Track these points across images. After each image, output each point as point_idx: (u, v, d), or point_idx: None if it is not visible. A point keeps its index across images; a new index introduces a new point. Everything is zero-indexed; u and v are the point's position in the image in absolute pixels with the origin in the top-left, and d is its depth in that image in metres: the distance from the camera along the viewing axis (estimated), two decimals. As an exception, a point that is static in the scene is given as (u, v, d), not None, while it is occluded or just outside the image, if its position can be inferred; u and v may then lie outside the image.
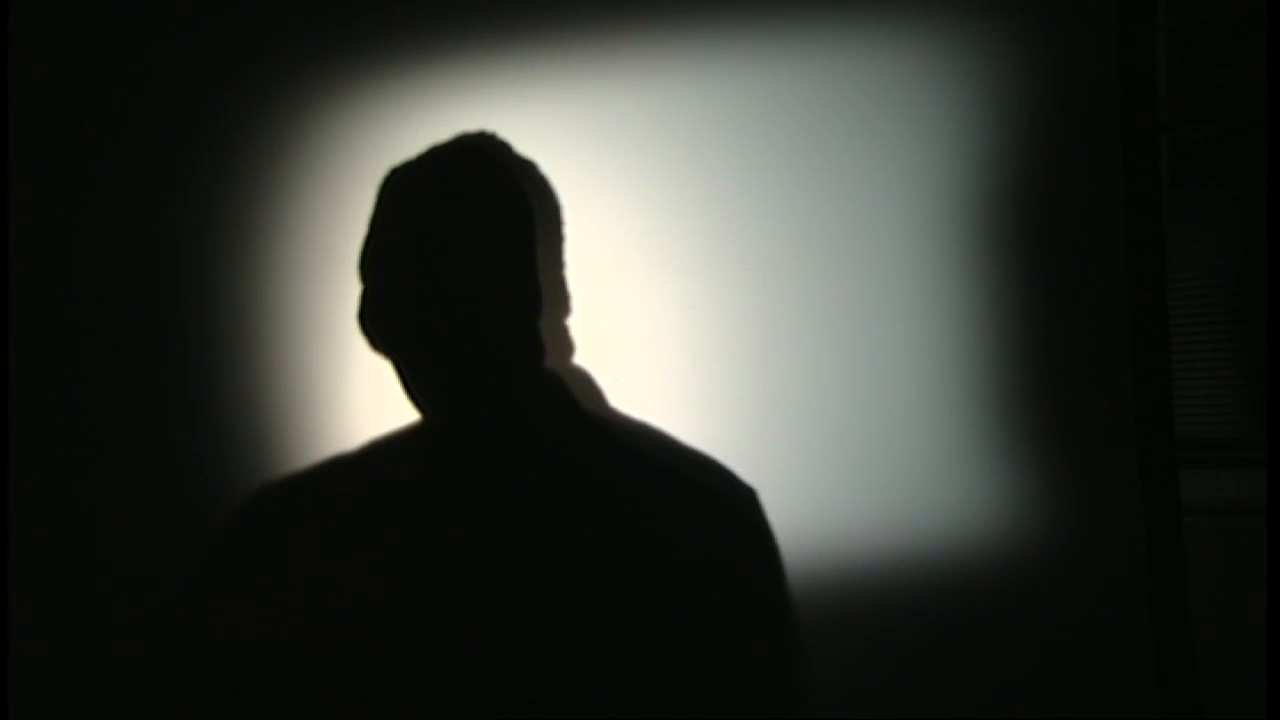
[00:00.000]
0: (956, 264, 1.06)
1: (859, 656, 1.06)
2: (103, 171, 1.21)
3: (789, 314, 1.08)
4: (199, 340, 1.18)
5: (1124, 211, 1.03)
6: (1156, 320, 1.03)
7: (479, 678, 0.93)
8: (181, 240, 1.19)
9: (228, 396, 1.16)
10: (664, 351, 1.10)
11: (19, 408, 1.19)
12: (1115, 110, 1.03)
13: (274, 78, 1.17)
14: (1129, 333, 1.03)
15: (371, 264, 1.00)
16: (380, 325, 0.99)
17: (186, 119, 1.19)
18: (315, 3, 1.17)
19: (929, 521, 1.06)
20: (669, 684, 0.94)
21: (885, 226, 1.07)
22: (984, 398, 1.06)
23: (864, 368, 1.07)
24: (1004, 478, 1.05)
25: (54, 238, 1.22)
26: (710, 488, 1.03)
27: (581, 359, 1.07)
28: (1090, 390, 1.05)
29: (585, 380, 1.07)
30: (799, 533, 1.05)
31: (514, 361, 0.98)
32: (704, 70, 1.10)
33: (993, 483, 1.06)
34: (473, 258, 0.96)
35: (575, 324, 1.07)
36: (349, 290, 1.01)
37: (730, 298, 1.09)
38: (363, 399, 1.11)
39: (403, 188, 1.01)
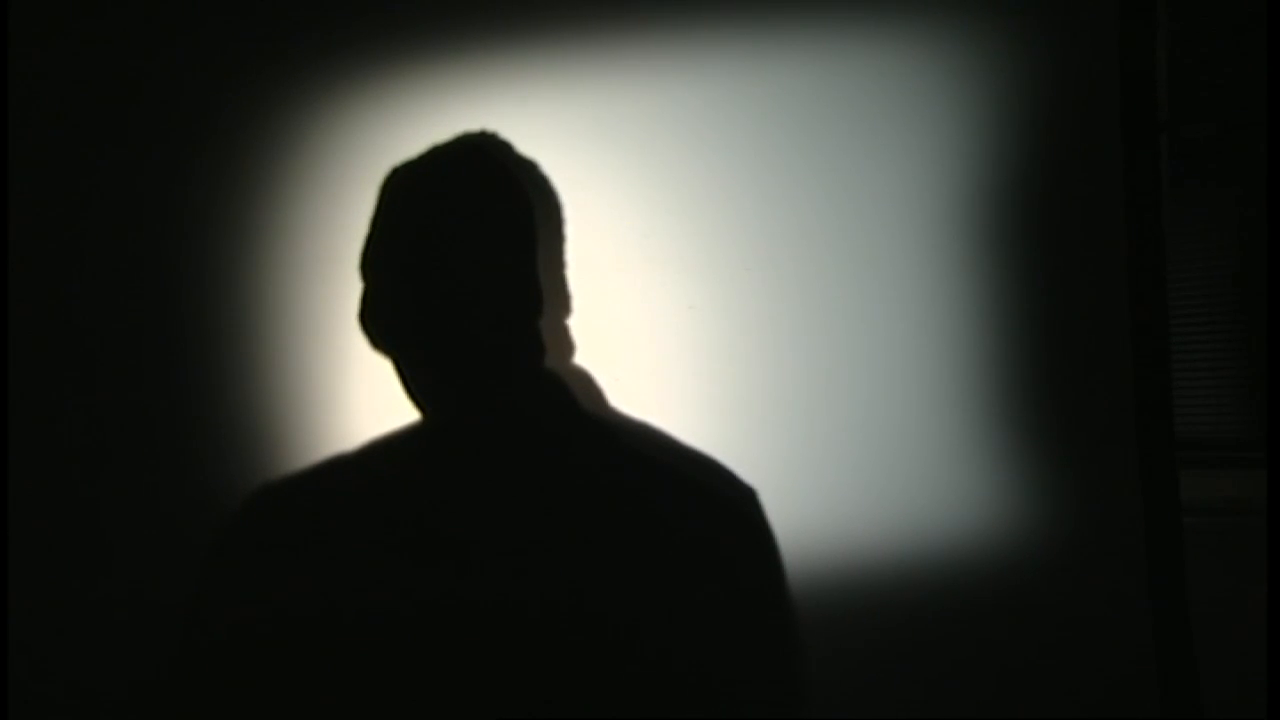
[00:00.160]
0: (956, 264, 1.06)
1: (859, 656, 1.05)
2: (103, 171, 1.21)
3: (789, 314, 1.08)
4: (199, 340, 1.18)
5: (1124, 211, 1.03)
6: (1156, 320, 1.03)
7: (479, 677, 0.93)
8: (182, 240, 1.19)
9: (228, 396, 1.16)
10: (664, 351, 1.10)
11: (19, 407, 1.19)
12: (1115, 110, 1.03)
13: (274, 78, 1.17)
14: (1129, 333, 1.03)
15: (372, 263, 1.00)
16: (381, 325, 0.99)
17: (186, 119, 1.19)
18: (315, 3, 1.17)
19: (929, 521, 1.06)
20: (669, 684, 0.94)
21: (885, 226, 1.07)
22: (984, 398, 1.06)
23: (864, 368, 1.07)
24: (1004, 478, 1.05)
25: (54, 238, 1.22)
26: (710, 488, 1.03)
27: (581, 359, 1.07)
28: (1090, 390, 1.05)
29: (585, 380, 1.07)
30: (799, 533, 1.05)
31: (514, 361, 0.98)
32: (704, 70, 1.10)
33: (993, 483, 1.06)
34: (473, 257, 0.96)
35: (575, 324, 1.07)
36: (349, 290, 1.01)
37: (730, 298, 1.09)
38: (363, 399, 1.11)
39: (404, 187, 1.01)
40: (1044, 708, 1.04)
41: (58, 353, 1.21)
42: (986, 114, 1.06)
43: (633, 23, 1.11)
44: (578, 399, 1.03)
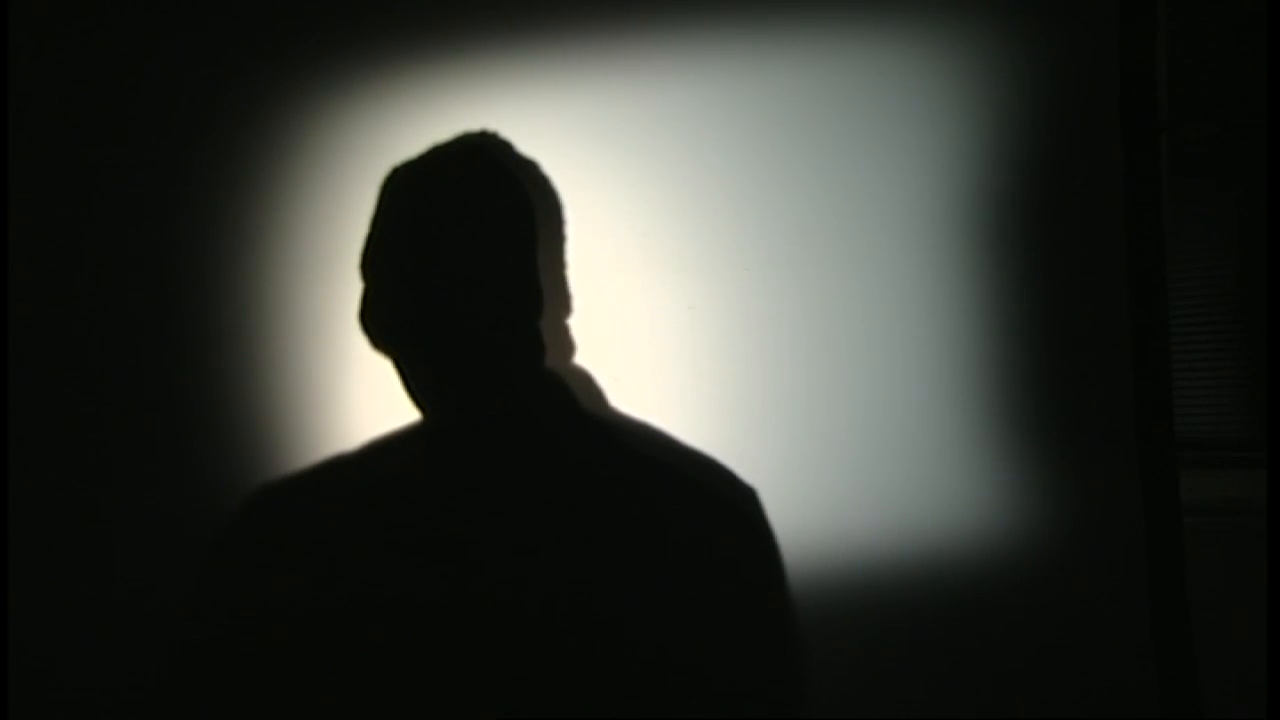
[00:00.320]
0: (956, 264, 1.06)
1: (859, 656, 1.05)
2: (103, 171, 1.21)
3: (789, 314, 1.08)
4: (199, 340, 1.17)
5: (1124, 211, 1.03)
6: (1156, 320, 1.03)
7: (480, 677, 0.93)
8: (182, 240, 1.19)
9: (228, 396, 1.16)
10: (664, 351, 1.09)
11: (19, 407, 1.19)
12: (1115, 110, 1.03)
13: (274, 78, 1.17)
14: (1129, 333, 1.03)
15: (373, 263, 1.00)
16: (381, 324, 0.99)
17: (187, 119, 1.19)
18: (315, 3, 1.17)
19: (929, 521, 1.06)
20: (669, 683, 0.94)
21: (885, 226, 1.07)
22: (984, 398, 1.06)
23: (864, 368, 1.07)
24: (1004, 478, 1.05)
25: (54, 237, 1.22)
26: (710, 487, 1.03)
27: (581, 359, 1.07)
28: (1090, 390, 1.05)
29: (585, 380, 1.07)
30: (799, 533, 1.05)
31: (514, 361, 0.98)
32: (704, 70, 1.10)
33: (993, 483, 1.06)
34: (473, 257, 0.96)
35: (575, 324, 1.07)
36: (349, 290, 1.01)
37: (730, 298, 1.09)
38: (363, 399, 1.11)
39: (404, 187, 1.01)
40: (1044, 708, 1.04)
41: (58, 352, 1.21)
42: (986, 114, 1.06)
43: (633, 23, 1.11)
44: (578, 399, 1.03)
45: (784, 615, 1.02)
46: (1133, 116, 1.03)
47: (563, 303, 1.06)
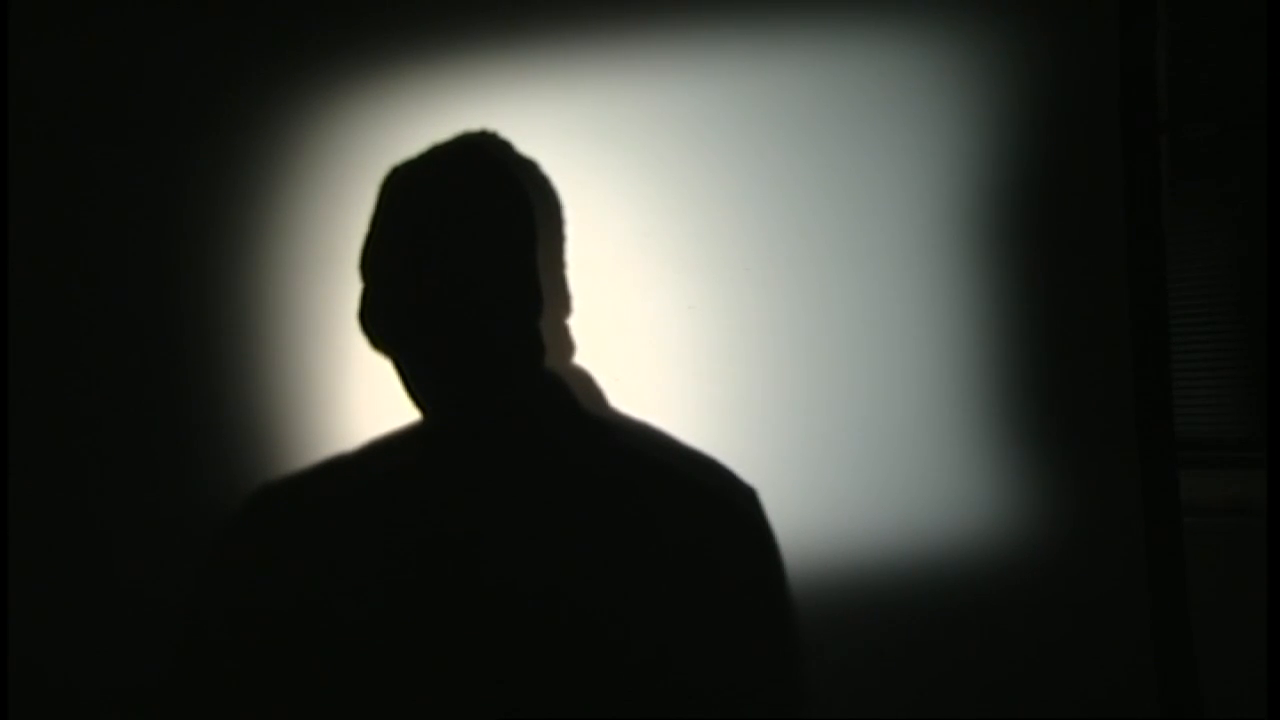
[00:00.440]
0: (956, 264, 1.06)
1: (859, 656, 1.05)
2: (103, 171, 1.21)
3: (789, 314, 1.08)
4: (199, 340, 1.17)
5: (1124, 211, 1.03)
6: (1156, 320, 1.03)
7: (479, 677, 0.93)
8: (181, 240, 1.19)
9: (228, 396, 1.16)
10: (664, 351, 1.09)
11: (19, 408, 1.19)
12: (1115, 110, 1.03)
13: (274, 78, 1.17)
14: (1129, 333, 1.03)
15: (372, 263, 1.00)
16: (380, 324, 0.99)
17: (187, 119, 1.19)
18: (315, 3, 1.17)
19: (929, 521, 1.06)
20: (669, 683, 0.94)
21: (885, 226, 1.07)
22: (984, 397, 1.06)
23: (864, 367, 1.07)
24: (1004, 477, 1.05)
25: (54, 237, 1.22)
26: (710, 488, 1.03)
27: (581, 359, 1.07)
28: (1090, 390, 1.05)
29: (585, 380, 1.07)
30: (799, 533, 1.05)
31: (514, 361, 0.98)
32: (704, 70, 1.10)
33: (993, 482, 1.06)
34: (473, 257, 0.96)
35: (575, 324, 1.07)
36: (349, 290, 1.01)
37: (730, 298, 1.09)
38: (363, 399, 1.11)
39: (404, 187, 1.01)
40: (1044, 707, 1.04)
41: (57, 353, 1.21)
42: (986, 114, 1.06)
43: (633, 23, 1.11)
44: (578, 399, 1.03)
45: (784, 615, 1.02)
46: (1133, 116, 1.03)
47: (562, 303, 1.06)
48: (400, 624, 0.95)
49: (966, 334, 1.06)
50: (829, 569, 1.06)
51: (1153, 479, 1.03)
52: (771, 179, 1.09)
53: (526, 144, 1.06)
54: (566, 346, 1.07)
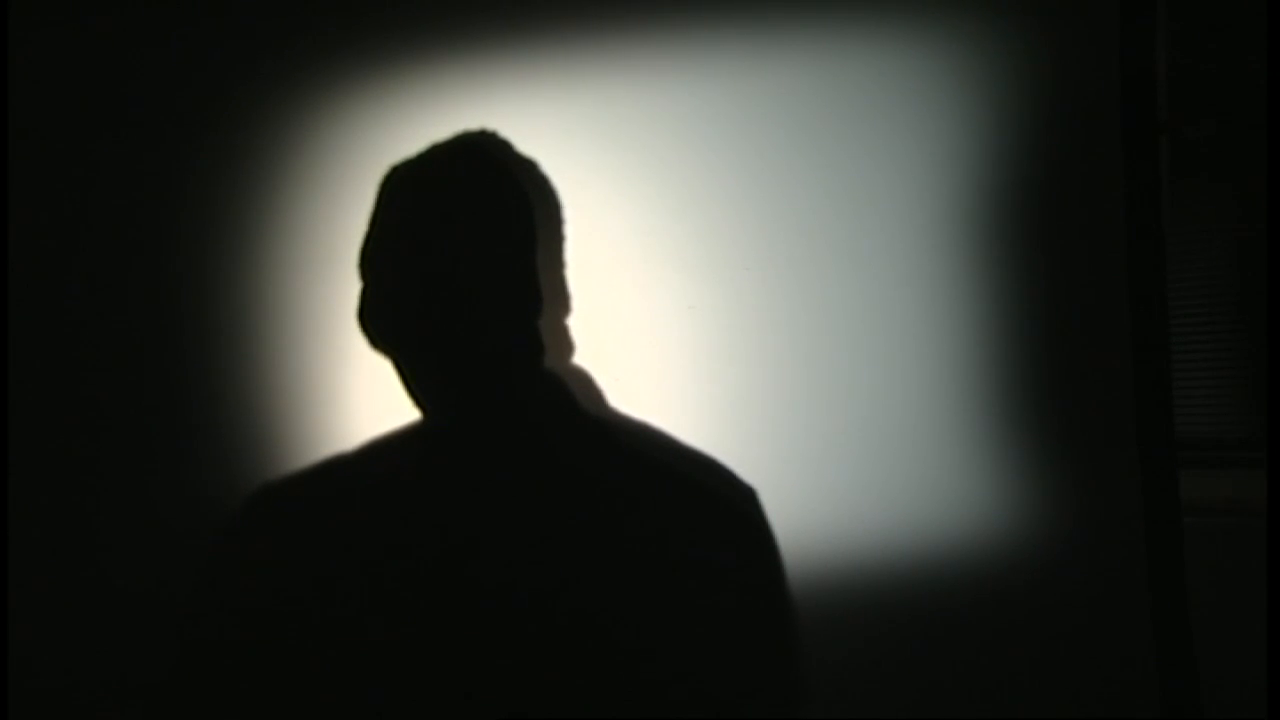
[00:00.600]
0: (956, 264, 1.06)
1: (859, 656, 1.05)
2: (103, 171, 1.21)
3: (789, 314, 1.08)
4: (199, 340, 1.17)
5: (1124, 211, 1.03)
6: (1156, 320, 1.03)
7: (479, 677, 0.93)
8: (181, 240, 1.19)
9: (227, 396, 1.16)
10: (664, 351, 1.09)
11: (19, 407, 1.19)
12: (1115, 110, 1.03)
13: (274, 78, 1.17)
14: (1129, 333, 1.03)
15: (371, 262, 1.00)
16: (380, 324, 0.99)
17: (186, 119, 1.19)
18: (315, 3, 1.17)
19: (929, 521, 1.06)
20: (669, 684, 0.94)
21: (885, 226, 1.07)
22: (984, 397, 1.06)
23: (864, 368, 1.07)
24: (1004, 478, 1.05)
25: (54, 238, 1.22)
26: (710, 488, 1.03)
27: (581, 359, 1.07)
28: (1090, 390, 1.05)
29: (585, 380, 1.07)
30: (799, 533, 1.05)
31: (514, 361, 0.98)
32: (704, 70, 1.10)
33: (993, 483, 1.06)
34: (473, 257, 0.96)
35: (575, 324, 1.07)
36: (349, 290, 1.01)
37: (730, 298, 1.09)
38: (363, 399, 1.11)
39: (403, 186, 1.01)
40: (1044, 708, 1.04)
41: (57, 353, 1.21)
42: (987, 114, 1.06)
43: (633, 23, 1.11)
44: (577, 399, 1.03)
45: (784, 615, 1.02)
46: (1133, 116, 1.03)
47: (562, 303, 1.06)
48: (400, 624, 0.95)
49: (966, 334, 1.06)
50: (829, 569, 1.06)
51: (1153, 479, 1.03)
52: (771, 179, 1.09)
53: (526, 144, 1.06)
54: (566, 346, 1.07)
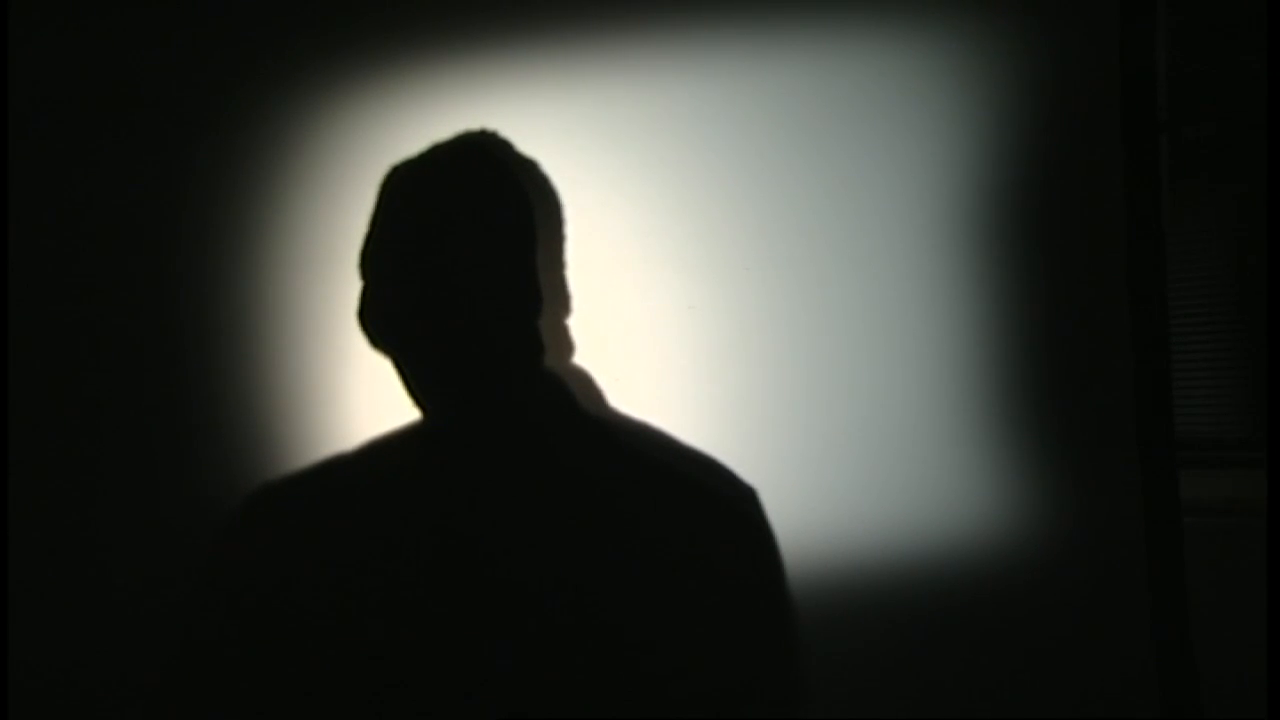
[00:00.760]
0: (957, 264, 1.06)
1: (859, 656, 1.05)
2: (102, 171, 1.21)
3: (789, 314, 1.08)
4: (199, 340, 1.17)
5: (1124, 211, 1.03)
6: (1156, 320, 1.03)
7: (479, 677, 0.93)
8: (181, 240, 1.19)
9: (227, 396, 1.16)
10: (664, 351, 1.10)
11: (19, 407, 1.19)
12: (1115, 110, 1.03)
13: (274, 78, 1.17)
14: (1129, 333, 1.03)
15: (371, 261, 1.00)
16: (380, 323, 0.99)
17: (186, 119, 1.19)
18: (315, 3, 1.17)
19: (929, 521, 1.06)
20: (669, 684, 0.94)
21: (885, 226, 1.07)
22: (984, 397, 1.06)
23: (864, 368, 1.07)
24: (1004, 478, 1.05)
25: (54, 238, 1.22)
26: (710, 487, 1.03)
27: (581, 359, 1.07)
28: (1090, 390, 1.05)
29: (585, 380, 1.07)
30: (799, 533, 1.05)
31: (514, 361, 0.98)
32: (704, 70, 1.10)
33: (993, 483, 1.06)
34: (473, 257, 0.96)
35: (575, 324, 1.07)
36: (349, 290, 1.01)
37: (730, 298, 1.09)
38: (363, 399, 1.11)
39: (404, 185, 1.01)
40: (1044, 708, 1.04)
41: (57, 353, 1.21)
42: (987, 114, 1.06)
43: (633, 23, 1.11)
44: (577, 399, 1.03)
45: (783, 615, 1.02)
46: (1133, 116, 1.03)
47: (562, 303, 1.06)
48: (400, 623, 0.95)
49: (967, 334, 1.06)
50: (829, 569, 1.06)
51: (1153, 479, 1.03)
52: (772, 179, 1.09)
53: (526, 144, 1.06)
54: (566, 346, 1.07)
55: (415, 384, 0.99)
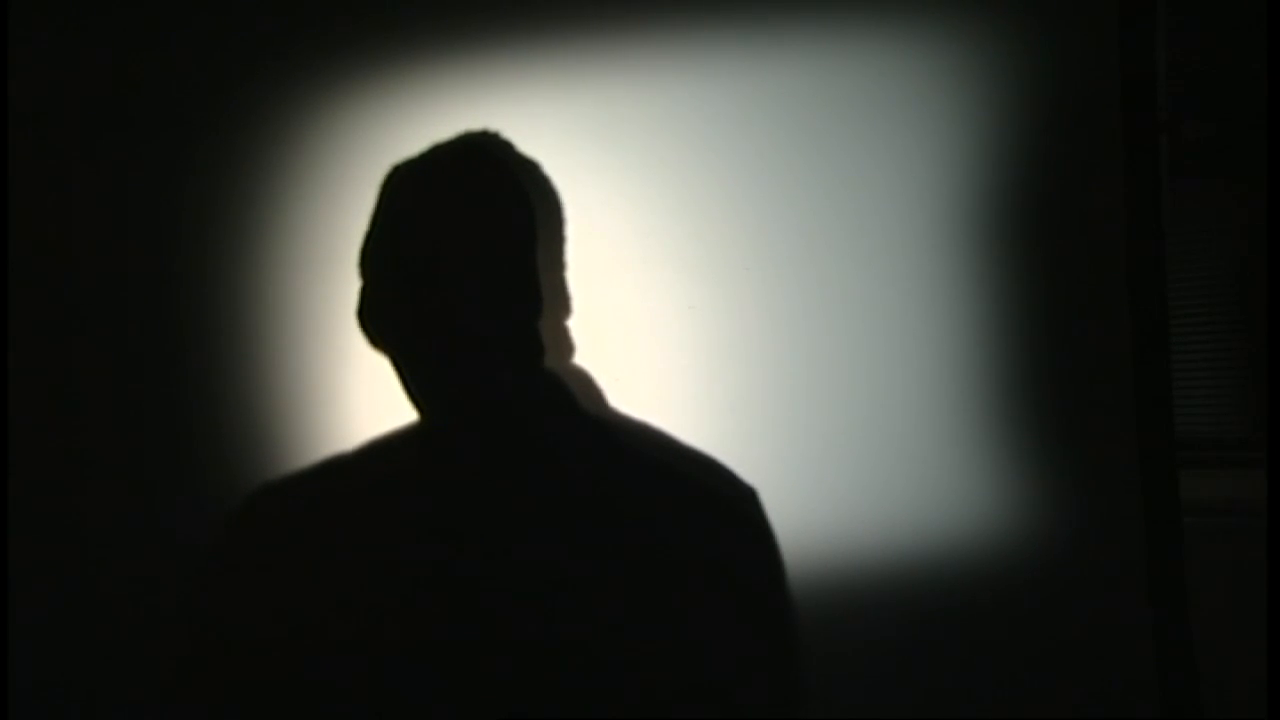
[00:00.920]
0: (956, 264, 1.06)
1: (859, 656, 1.05)
2: (103, 171, 1.21)
3: (789, 314, 1.08)
4: (199, 340, 1.17)
5: (1124, 211, 1.03)
6: (1156, 320, 1.03)
7: (478, 677, 0.93)
8: (181, 240, 1.19)
9: (227, 396, 1.16)
10: (664, 351, 1.10)
11: (19, 407, 1.19)
12: (1115, 110, 1.03)
13: (274, 78, 1.17)
14: (1129, 333, 1.03)
15: (371, 261, 1.00)
16: (378, 323, 0.99)
17: (187, 119, 1.19)
18: (315, 3, 1.17)
19: (929, 521, 1.06)
20: (669, 684, 0.94)
21: (885, 226, 1.07)
22: (984, 397, 1.06)
23: (864, 368, 1.07)
24: (1004, 478, 1.05)
25: (54, 238, 1.22)
26: (710, 488, 1.03)
27: (581, 359, 1.07)
28: (1090, 390, 1.05)
29: (585, 380, 1.07)
30: (799, 533, 1.05)
31: (514, 361, 0.98)
32: (704, 70, 1.10)
33: (993, 483, 1.06)
34: (473, 257, 0.96)
35: (575, 324, 1.07)
36: (349, 290, 1.01)
37: (730, 298, 1.09)
38: (363, 399, 1.11)
39: (404, 185, 1.01)
40: (1044, 708, 1.04)
41: (57, 353, 1.21)
42: (987, 114, 1.06)
43: (633, 23, 1.11)
44: (577, 399, 1.03)
45: (783, 615, 1.02)
46: (1133, 116, 1.03)
47: (562, 303, 1.06)
48: (399, 623, 0.95)
49: (967, 334, 1.06)
50: (829, 569, 1.06)
51: (1153, 479, 1.03)
52: (771, 179, 1.09)
53: (527, 144, 1.06)
54: (566, 346, 1.07)
55: (414, 384, 0.99)
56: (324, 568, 0.99)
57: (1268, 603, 1.01)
